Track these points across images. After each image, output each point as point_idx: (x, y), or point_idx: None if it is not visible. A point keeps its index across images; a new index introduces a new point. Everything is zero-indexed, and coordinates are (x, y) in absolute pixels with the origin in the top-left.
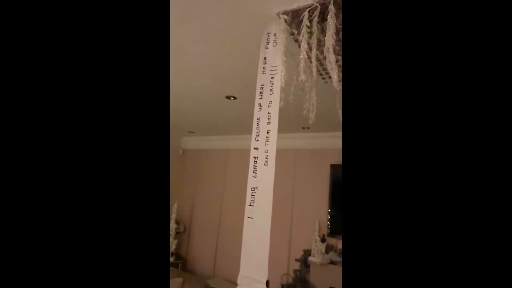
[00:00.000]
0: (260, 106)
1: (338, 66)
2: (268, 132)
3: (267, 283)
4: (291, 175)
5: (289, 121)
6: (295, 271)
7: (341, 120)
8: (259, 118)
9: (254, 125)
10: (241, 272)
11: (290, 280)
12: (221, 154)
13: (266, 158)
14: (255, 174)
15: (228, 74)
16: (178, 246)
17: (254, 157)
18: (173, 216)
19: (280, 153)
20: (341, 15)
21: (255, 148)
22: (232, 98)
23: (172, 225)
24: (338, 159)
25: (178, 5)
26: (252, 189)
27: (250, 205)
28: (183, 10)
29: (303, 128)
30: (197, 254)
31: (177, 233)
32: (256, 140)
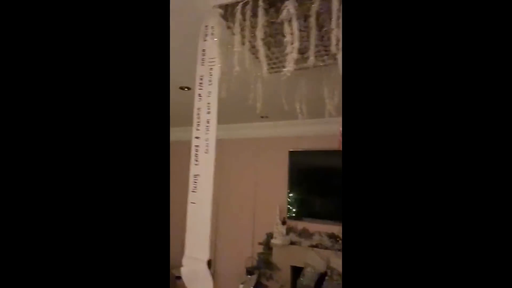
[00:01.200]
0: (200, 96)
1: (268, 59)
2: (208, 122)
3: (209, 262)
4: (252, 164)
5: (246, 111)
6: (258, 254)
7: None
8: (199, 108)
9: (195, 115)
10: (185, 254)
11: (254, 263)
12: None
13: (207, 146)
14: (197, 162)
15: (181, 66)
16: None
17: (196, 146)
18: None
19: (241, 142)
20: (270, 10)
21: (196, 137)
22: (186, 89)
23: None
24: (295, 145)
25: None
26: (195, 176)
27: (193, 191)
28: None
29: (262, 117)
30: None
31: None
32: (197, 130)
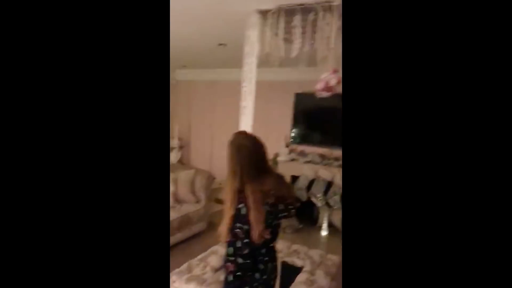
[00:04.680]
0: (246, 63)
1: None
2: (251, 78)
3: None
4: (265, 103)
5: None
6: None
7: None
8: (245, 71)
9: (243, 74)
10: None
11: None
12: (209, 84)
13: (250, 90)
14: (244, 98)
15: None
16: (182, 156)
17: (244, 91)
18: (175, 134)
19: (258, 84)
20: (289, 18)
21: (244, 86)
22: (223, 45)
23: (176, 141)
24: (300, 89)
25: None
26: (243, 107)
27: (243, 114)
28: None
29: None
30: (195, 162)
31: (180, 147)
32: (244, 81)
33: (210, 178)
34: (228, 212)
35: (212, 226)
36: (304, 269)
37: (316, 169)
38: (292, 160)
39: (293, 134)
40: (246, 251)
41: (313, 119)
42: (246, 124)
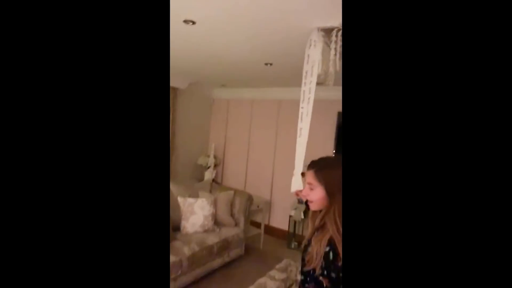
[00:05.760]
0: (305, 83)
1: None
2: (309, 99)
3: (302, 174)
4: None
5: None
6: None
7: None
8: (304, 91)
9: (302, 96)
10: (295, 170)
11: None
12: (246, 103)
13: (307, 112)
14: (301, 120)
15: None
16: (216, 175)
17: (301, 112)
18: (211, 152)
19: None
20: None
21: (301, 107)
22: (269, 65)
23: (212, 160)
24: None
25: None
26: (300, 129)
27: (299, 136)
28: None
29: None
30: (229, 181)
31: (215, 165)
32: (302, 103)
33: (250, 199)
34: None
35: (249, 251)
36: None
37: None
38: None
39: (335, 153)
40: None
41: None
42: (302, 147)
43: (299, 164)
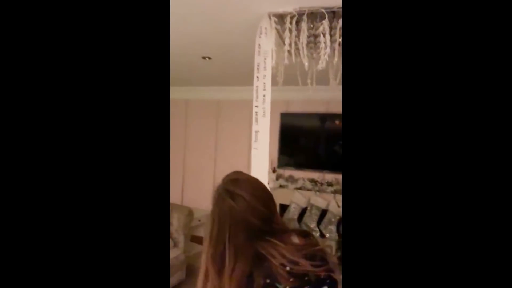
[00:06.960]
0: (258, 78)
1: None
2: (264, 96)
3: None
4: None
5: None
6: None
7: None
8: (257, 86)
9: (254, 93)
10: None
11: None
12: (180, 103)
13: (264, 112)
14: (257, 122)
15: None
16: None
17: (256, 112)
18: None
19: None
20: (313, 23)
21: (256, 106)
22: (207, 59)
23: None
24: (286, 108)
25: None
26: (256, 132)
27: (255, 141)
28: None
29: None
30: None
31: None
32: (256, 101)
33: (190, 214)
34: None
35: (191, 272)
36: None
37: (307, 196)
38: (280, 187)
39: (278, 159)
40: None
41: (299, 140)
42: (261, 153)
43: (260, 175)
